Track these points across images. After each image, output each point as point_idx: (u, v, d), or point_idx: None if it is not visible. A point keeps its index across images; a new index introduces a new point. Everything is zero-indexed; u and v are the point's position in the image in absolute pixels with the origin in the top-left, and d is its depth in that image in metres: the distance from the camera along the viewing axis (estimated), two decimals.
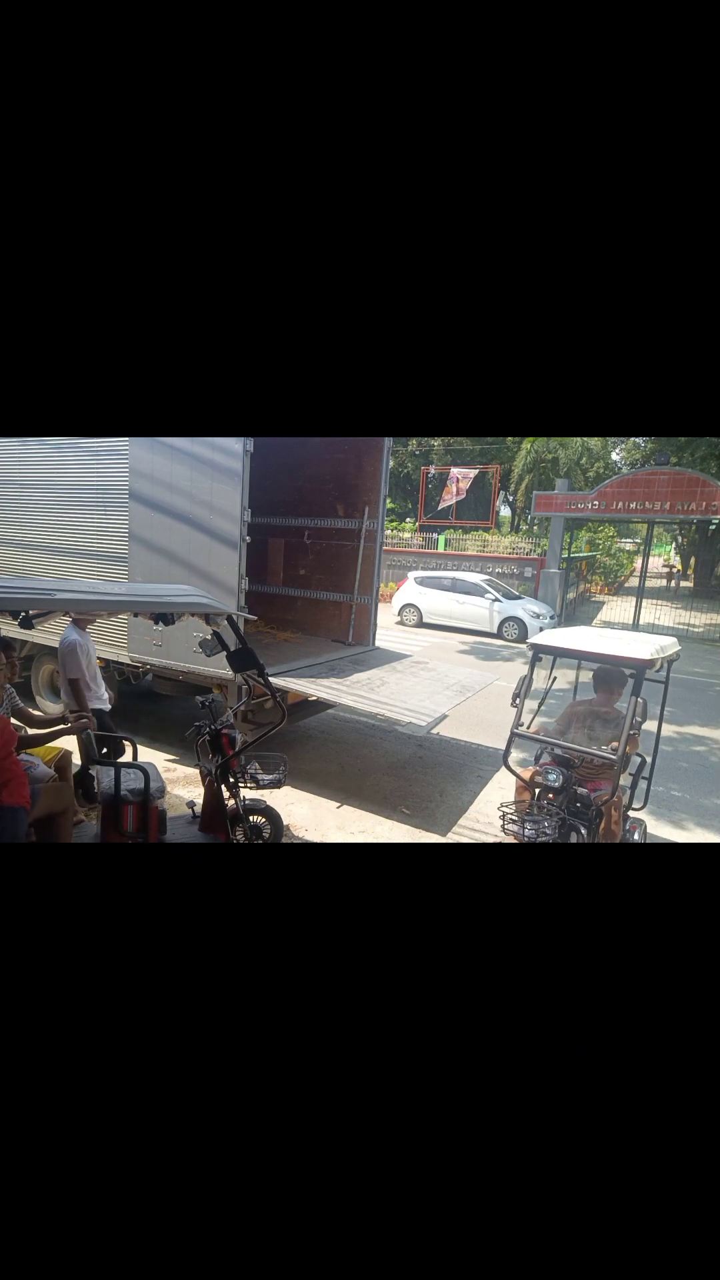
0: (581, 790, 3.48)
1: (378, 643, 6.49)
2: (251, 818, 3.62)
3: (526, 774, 3.62)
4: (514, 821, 3.40)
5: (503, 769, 5.25)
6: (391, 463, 7.26)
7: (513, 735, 3.59)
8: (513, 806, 3.55)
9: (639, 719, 3.20)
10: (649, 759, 3.29)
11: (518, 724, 3.62)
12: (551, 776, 3.45)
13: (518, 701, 3.62)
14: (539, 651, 3.63)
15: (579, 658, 3.69)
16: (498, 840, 4.30)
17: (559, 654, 3.63)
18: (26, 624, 2.66)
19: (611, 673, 3.71)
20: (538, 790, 3.50)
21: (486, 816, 4.71)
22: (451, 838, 4.36)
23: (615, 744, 3.44)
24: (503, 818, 3.47)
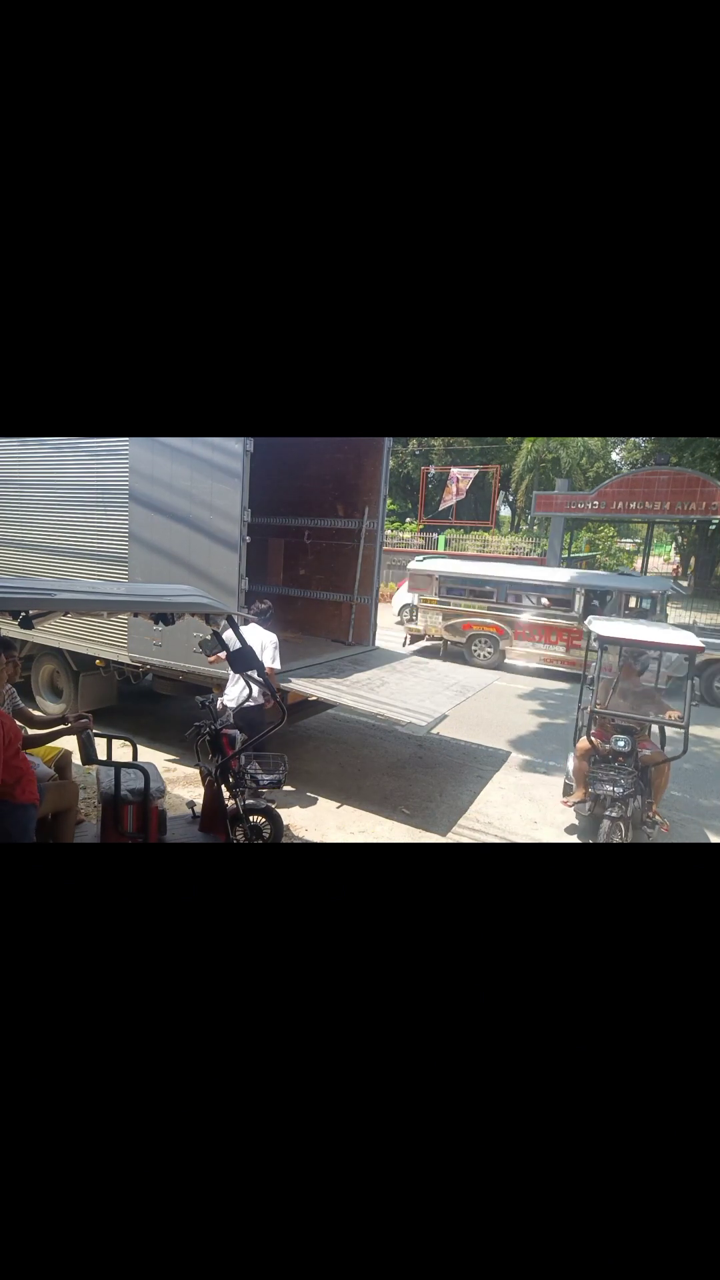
0: (644, 752, 4.20)
1: (378, 643, 6.49)
2: (251, 818, 3.62)
3: (595, 742, 4.25)
4: (604, 782, 4.05)
5: (504, 769, 5.41)
6: (391, 463, 7.26)
7: (592, 714, 4.30)
8: (597, 770, 4.19)
9: (698, 694, 4.09)
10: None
11: (594, 703, 4.41)
12: (622, 743, 4.15)
13: (590, 684, 4.38)
14: (604, 643, 4.29)
15: (643, 647, 4.39)
16: (499, 840, 4.32)
17: (624, 644, 4.32)
18: (26, 624, 2.66)
19: (639, 656, 4.47)
20: (601, 756, 4.19)
21: (486, 816, 4.71)
22: (451, 838, 4.36)
23: (675, 713, 4.24)
24: (589, 781, 4.11)
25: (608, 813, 3.99)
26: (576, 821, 4.49)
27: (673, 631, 4.48)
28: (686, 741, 4.01)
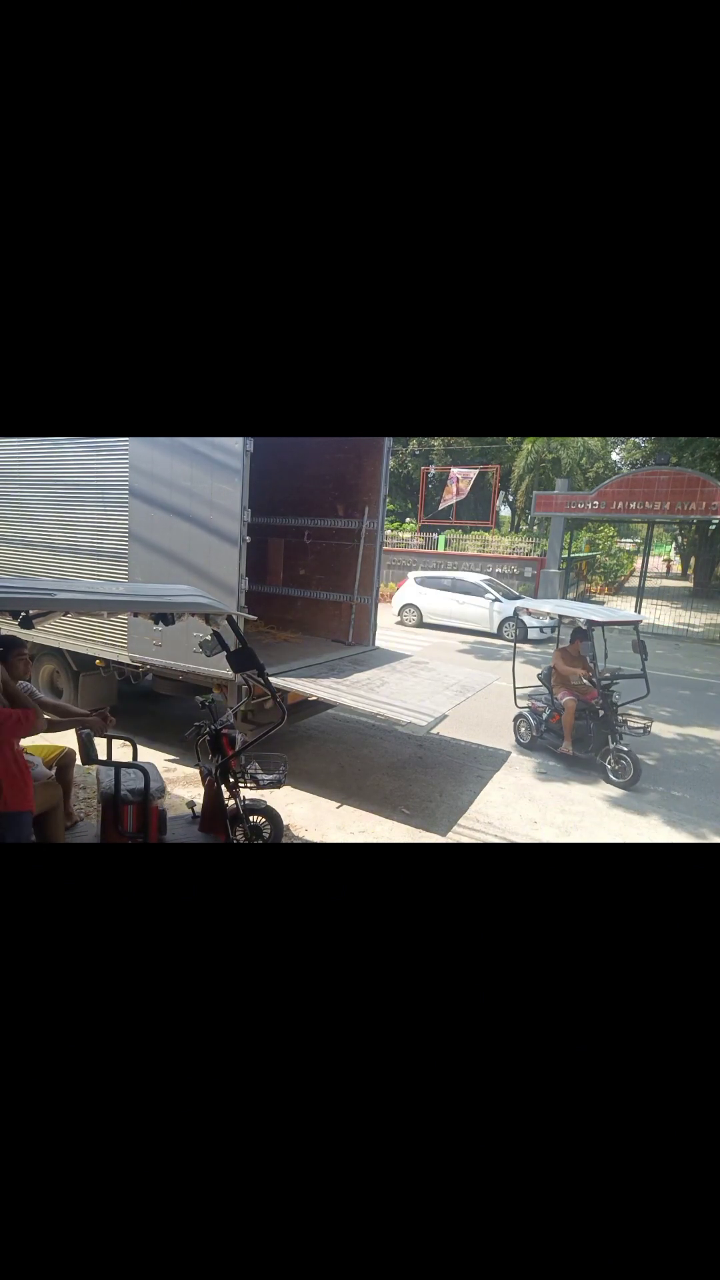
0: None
1: (378, 643, 6.49)
2: (251, 818, 3.62)
3: (586, 697, 5.76)
4: (639, 721, 5.79)
5: (503, 769, 5.56)
6: (391, 463, 7.26)
7: (559, 679, 5.97)
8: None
9: (645, 656, 5.78)
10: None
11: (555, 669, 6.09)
12: (616, 696, 5.65)
13: (597, 664, 5.92)
14: (593, 625, 5.89)
15: (618, 624, 6.28)
16: (499, 840, 4.32)
17: (609, 625, 6.14)
18: (26, 624, 2.66)
19: (582, 628, 5.96)
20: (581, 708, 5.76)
21: (486, 816, 4.71)
22: (451, 838, 4.35)
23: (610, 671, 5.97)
24: (625, 721, 5.68)
25: (619, 746, 5.47)
26: (572, 753, 5.80)
27: (614, 610, 8.02)
28: (648, 683, 5.81)
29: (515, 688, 6.58)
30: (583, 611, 6.11)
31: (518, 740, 6.32)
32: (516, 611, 7.43)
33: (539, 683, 6.43)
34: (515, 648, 7.55)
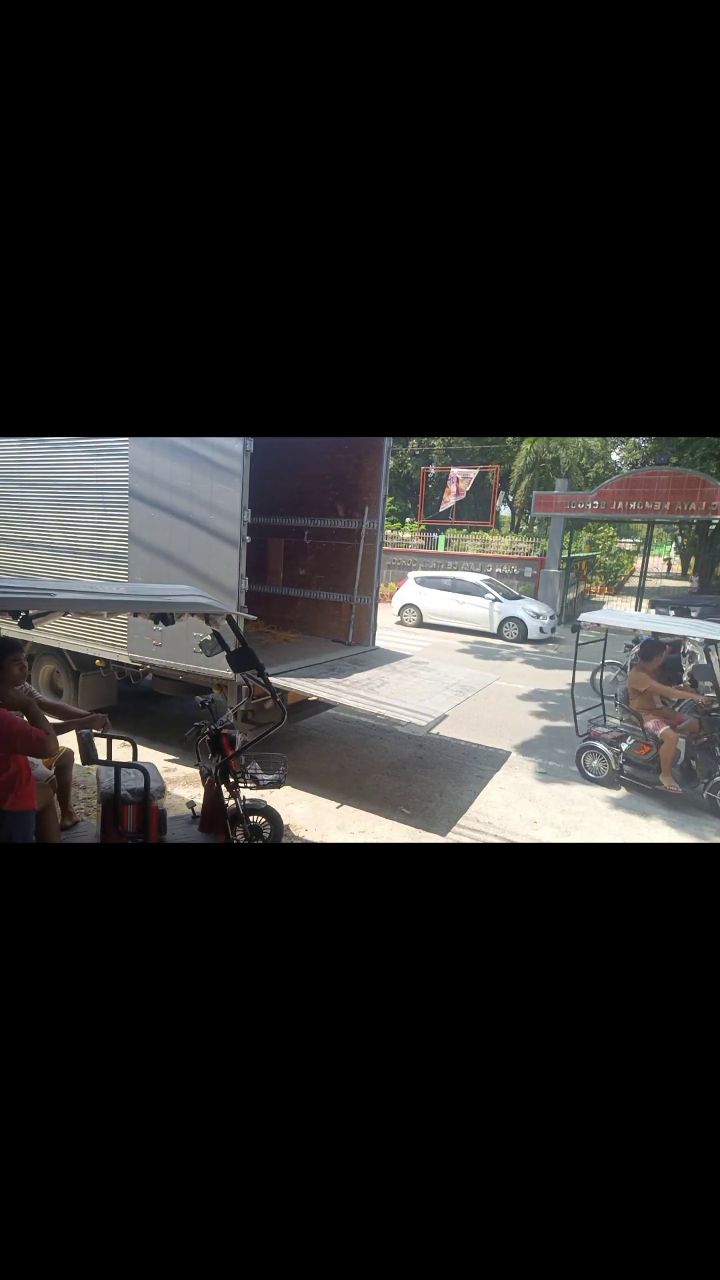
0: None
1: (378, 643, 6.49)
2: (251, 818, 3.62)
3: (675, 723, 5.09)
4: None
5: (504, 769, 5.51)
6: (391, 463, 7.26)
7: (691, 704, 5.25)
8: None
9: None
10: None
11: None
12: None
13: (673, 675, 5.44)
14: (656, 636, 5.18)
15: (685, 638, 5.31)
16: (499, 840, 4.32)
17: (674, 639, 5.39)
18: (26, 624, 2.66)
19: (657, 644, 5.15)
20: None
21: (486, 816, 4.71)
22: (451, 838, 4.35)
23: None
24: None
25: None
26: (679, 790, 4.96)
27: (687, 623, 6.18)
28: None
29: (575, 712, 5.64)
30: (688, 629, 5.13)
31: (586, 775, 5.39)
32: (579, 623, 5.50)
33: (597, 699, 5.70)
34: (574, 664, 5.75)
